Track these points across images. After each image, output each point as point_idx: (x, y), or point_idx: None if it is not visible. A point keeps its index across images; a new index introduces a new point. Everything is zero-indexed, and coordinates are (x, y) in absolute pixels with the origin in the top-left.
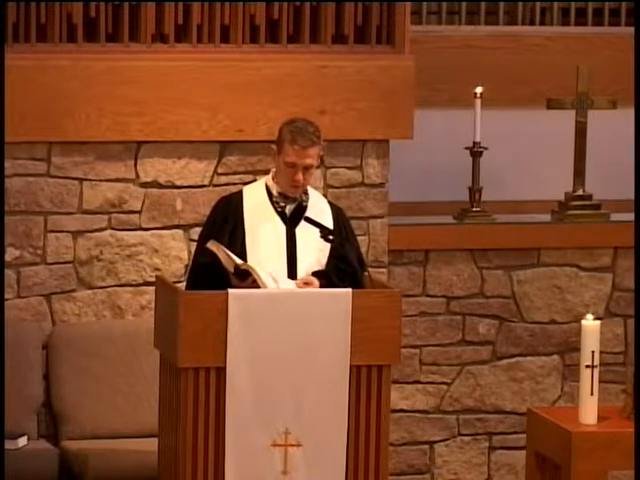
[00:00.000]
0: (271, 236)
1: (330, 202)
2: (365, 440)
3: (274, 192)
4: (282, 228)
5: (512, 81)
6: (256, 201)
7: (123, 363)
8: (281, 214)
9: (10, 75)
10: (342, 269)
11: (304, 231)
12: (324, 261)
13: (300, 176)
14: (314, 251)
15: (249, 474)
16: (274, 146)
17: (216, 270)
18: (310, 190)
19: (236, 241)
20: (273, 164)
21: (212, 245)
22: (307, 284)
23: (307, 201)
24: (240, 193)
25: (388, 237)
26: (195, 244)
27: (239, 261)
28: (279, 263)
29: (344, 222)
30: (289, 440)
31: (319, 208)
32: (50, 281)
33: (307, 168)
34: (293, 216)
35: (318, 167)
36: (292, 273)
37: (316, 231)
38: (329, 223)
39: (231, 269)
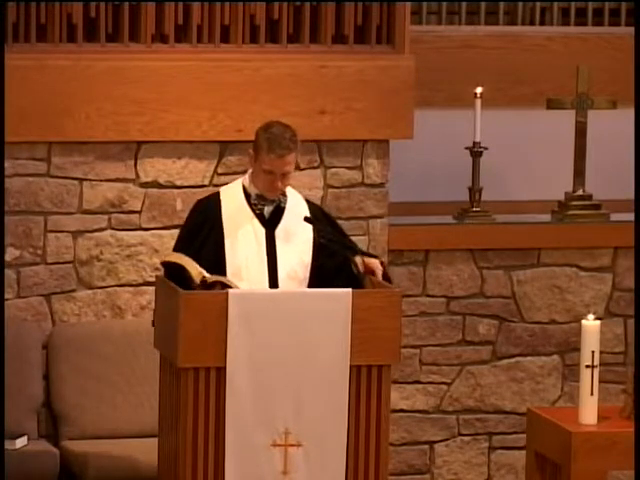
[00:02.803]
0: (250, 239)
1: (308, 201)
2: (365, 440)
3: (252, 194)
4: (261, 231)
5: (512, 81)
6: (234, 204)
7: (123, 363)
8: (259, 216)
9: (10, 75)
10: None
11: (283, 233)
12: (308, 259)
13: (279, 183)
14: (294, 253)
15: (249, 474)
16: (251, 150)
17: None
18: (289, 190)
19: (215, 245)
20: (250, 165)
21: (177, 258)
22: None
23: (285, 202)
24: (217, 195)
25: (388, 237)
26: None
27: (207, 274)
28: (259, 267)
29: (326, 217)
30: (289, 440)
31: (298, 210)
32: (50, 281)
33: (285, 174)
34: (271, 218)
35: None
36: (273, 276)
37: (296, 232)
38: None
39: (197, 281)
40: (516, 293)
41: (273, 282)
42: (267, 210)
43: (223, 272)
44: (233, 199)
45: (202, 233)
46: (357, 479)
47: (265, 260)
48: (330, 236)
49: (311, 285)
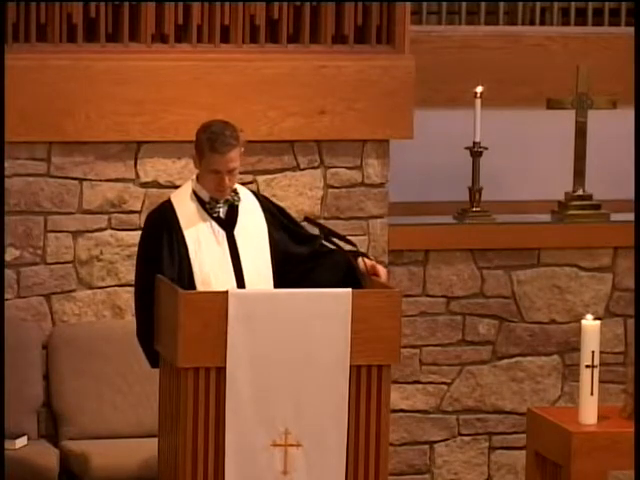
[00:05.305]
0: (213, 245)
1: (255, 193)
2: (365, 440)
3: (205, 198)
4: (221, 234)
5: (512, 81)
6: (189, 210)
7: (123, 363)
8: (217, 219)
9: (10, 75)
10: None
11: (242, 232)
12: (268, 255)
13: (226, 181)
14: (255, 250)
15: (249, 474)
16: (194, 153)
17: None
18: (238, 188)
19: (179, 255)
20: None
21: None
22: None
23: (239, 201)
24: (170, 204)
25: (388, 237)
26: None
27: None
28: (226, 271)
29: (276, 207)
30: (289, 440)
31: (250, 207)
32: (50, 281)
33: (231, 171)
34: (228, 218)
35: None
36: (239, 278)
37: (253, 229)
38: (260, 217)
39: None
40: (516, 293)
41: (240, 284)
42: (223, 211)
43: (192, 282)
44: (187, 206)
45: (165, 244)
46: (357, 479)
47: (230, 263)
48: (331, 234)
49: (279, 276)
